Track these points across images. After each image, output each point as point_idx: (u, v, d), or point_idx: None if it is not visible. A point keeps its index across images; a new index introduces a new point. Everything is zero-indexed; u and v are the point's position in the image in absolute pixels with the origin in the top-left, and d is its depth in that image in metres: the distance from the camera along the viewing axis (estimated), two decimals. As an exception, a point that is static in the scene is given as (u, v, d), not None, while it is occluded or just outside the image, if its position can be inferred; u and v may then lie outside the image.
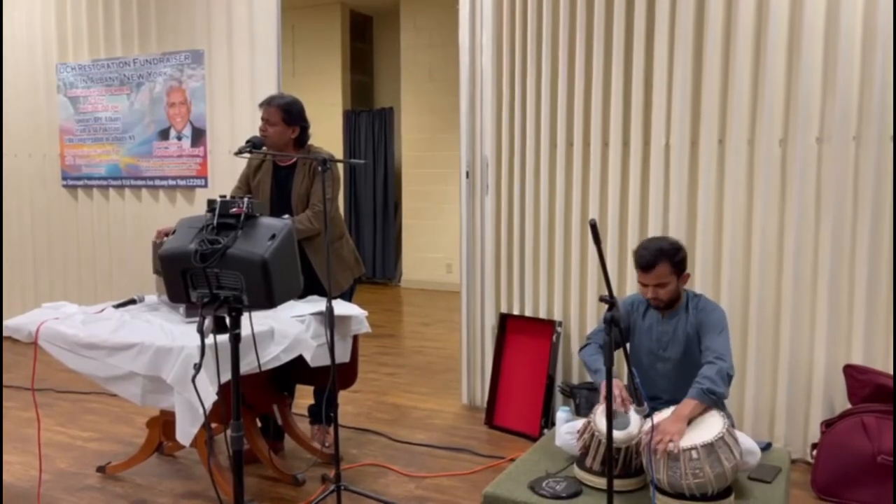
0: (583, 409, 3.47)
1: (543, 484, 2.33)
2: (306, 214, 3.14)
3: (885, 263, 3.07)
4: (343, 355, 3.03)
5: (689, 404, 2.35)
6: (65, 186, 5.45)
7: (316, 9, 8.45)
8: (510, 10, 3.77)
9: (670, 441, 2.23)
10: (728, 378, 2.43)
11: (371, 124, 8.57)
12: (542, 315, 3.80)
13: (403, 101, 8.27)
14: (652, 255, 2.53)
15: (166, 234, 2.96)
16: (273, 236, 1.90)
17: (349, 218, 8.81)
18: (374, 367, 4.98)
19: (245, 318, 2.04)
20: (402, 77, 8.26)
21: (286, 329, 2.71)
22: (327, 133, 8.42)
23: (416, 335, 6.06)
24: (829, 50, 3.08)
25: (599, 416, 2.39)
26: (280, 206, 3.22)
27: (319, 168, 2.77)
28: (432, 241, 8.23)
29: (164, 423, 3.01)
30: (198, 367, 1.94)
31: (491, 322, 3.98)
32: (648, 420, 2.31)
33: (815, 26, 3.09)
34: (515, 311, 3.90)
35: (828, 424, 3.01)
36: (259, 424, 3.24)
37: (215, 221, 1.94)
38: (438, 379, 4.71)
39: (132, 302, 3.03)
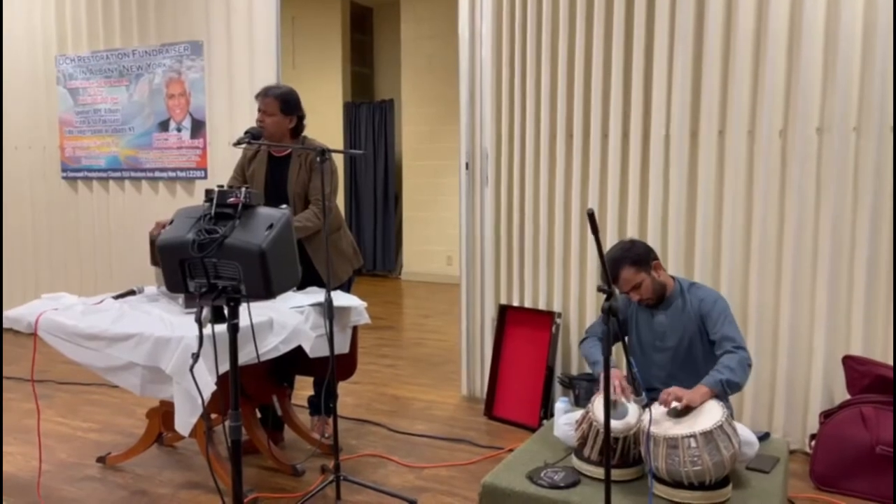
0: (581, 400, 3.48)
1: (542, 474, 2.34)
2: (311, 211, 3.14)
3: (884, 254, 3.07)
4: (342, 346, 3.04)
5: (701, 389, 2.36)
6: (64, 178, 5.45)
7: (316, 0, 8.43)
8: (510, 1, 3.76)
9: (679, 399, 2.30)
10: (749, 367, 2.45)
11: (371, 116, 8.56)
12: (542, 306, 3.80)
13: (404, 93, 8.25)
14: (611, 267, 2.58)
15: (164, 227, 2.96)
16: (271, 226, 1.90)
17: (350, 210, 8.81)
18: (375, 359, 4.99)
19: (244, 308, 2.04)
20: (402, 68, 8.24)
21: (285, 320, 2.72)
22: (327, 125, 8.42)
23: (416, 327, 6.07)
24: (830, 40, 3.07)
25: (598, 407, 2.39)
26: (275, 196, 3.22)
27: (318, 159, 2.77)
28: (433, 233, 8.23)
29: (163, 414, 3.02)
30: (196, 357, 1.94)
31: (490, 314, 3.98)
32: (646, 410, 2.31)
33: (815, 16, 3.07)
34: (515, 303, 3.90)
35: (826, 415, 3.01)
36: (259, 415, 3.24)
37: (213, 211, 1.94)
38: (438, 370, 4.71)
39: (131, 293, 3.03)
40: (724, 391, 2.38)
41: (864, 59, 3.02)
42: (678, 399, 2.33)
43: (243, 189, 1.96)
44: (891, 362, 3.04)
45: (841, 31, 3.03)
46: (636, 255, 2.59)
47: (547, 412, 3.58)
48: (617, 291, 2.47)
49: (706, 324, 2.59)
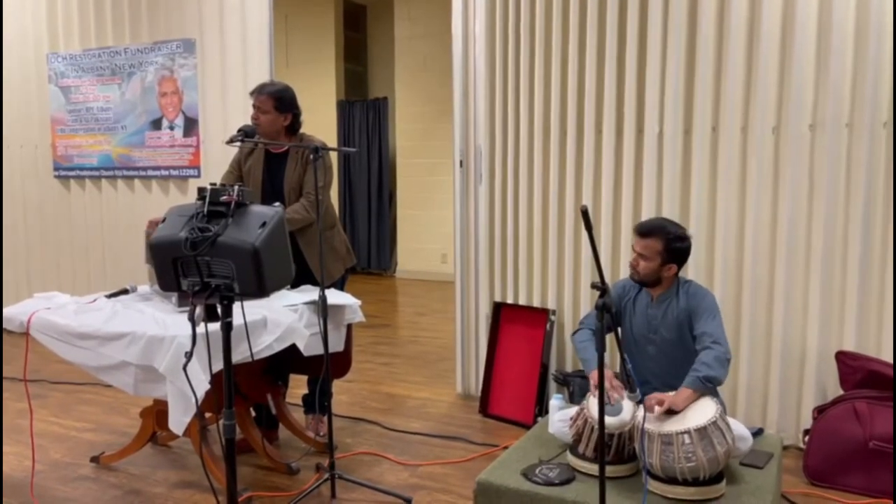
0: (576, 397, 3.48)
1: (536, 471, 2.34)
2: (301, 203, 3.13)
3: (877, 250, 3.08)
4: (336, 344, 3.03)
5: (685, 393, 2.36)
6: (57, 177, 5.43)
7: (309, -2, 8.41)
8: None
9: (663, 404, 2.29)
10: (726, 362, 2.44)
11: (365, 114, 8.54)
12: (536, 303, 3.80)
13: (398, 91, 8.24)
14: (651, 225, 2.62)
15: (157, 225, 2.95)
16: (264, 224, 1.90)
17: (344, 208, 8.79)
18: (369, 357, 4.99)
19: (237, 306, 2.03)
20: (396, 67, 8.23)
21: (279, 318, 2.71)
22: (321, 123, 8.39)
23: (411, 325, 6.07)
24: (822, 37, 3.08)
25: (592, 404, 2.39)
26: (271, 193, 3.21)
27: (311, 157, 2.76)
28: (427, 231, 8.22)
29: (157, 413, 3.00)
30: (189, 356, 1.94)
31: (485, 311, 3.98)
32: (641, 406, 2.31)
33: (808, 13, 3.08)
34: (509, 300, 3.90)
35: (820, 410, 3.02)
36: (253, 414, 3.24)
37: (206, 209, 1.93)
38: (433, 368, 4.71)
39: (124, 292, 3.02)
40: (705, 387, 2.38)
41: (856, 55, 3.03)
42: (660, 403, 2.32)
43: (236, 187, 1.95)
44: (883, 357, 3.05)
45: (833, 27, 3.04)
46: (675, 248, 2.59)
47: (542, 409, 3.58)
48: (609, 286, 2.46)
49: (692, 319, 2.60)
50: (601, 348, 1.97)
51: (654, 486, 2.23)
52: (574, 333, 2.80)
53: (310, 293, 3.02)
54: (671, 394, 2.38)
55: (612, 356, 3.54)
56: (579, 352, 2.72)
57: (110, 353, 2.51)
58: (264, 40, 4.50)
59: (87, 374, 2.71)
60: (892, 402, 2.86)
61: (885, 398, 2.88)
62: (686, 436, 2.17)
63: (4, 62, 5.45)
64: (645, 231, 2.61)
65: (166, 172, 4.99)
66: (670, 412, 2.31)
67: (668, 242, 2.58)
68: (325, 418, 3.45)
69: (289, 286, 3.02)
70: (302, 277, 3.20)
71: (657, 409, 2.32)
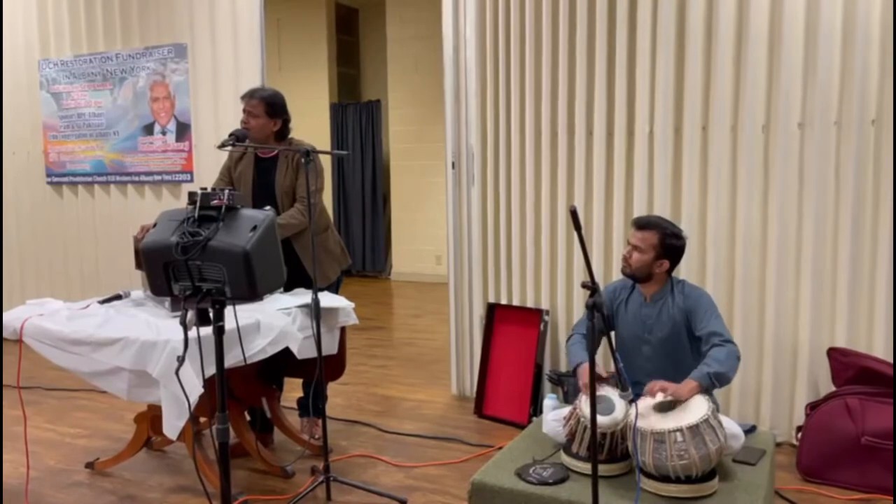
0: (570, 397, 3.48)
1: (530, 470, 2.35)
2: (297, 209, 3.14)
3: (866, 246, 3.10)
4: (330, 347, 3.04)
5: (690, 384, 2.37)
6: (49, 183, 5.42)
7: (301, 1, 8.41)
8: (493, 1, 3.76)
9: (666, 390, 2.32)
10: (737, 360, 2.47)
11: (358, 117, 8.55)
12: (530, 304, 3.81)
13: (390, 94, 8.25)
14: (649, 219, 2.69)
15: (148, 231, 2.95)
16: (254, 228, 1.90)
17: (338, 211, 8.79)
18: (364, 360, 4.99)
19: (230, 310, 2.04)
20: (388, 69, 8.24)
21: (272, 321, 2.71)
22: (314, 126, 8.39)
23: (406, 327, 6.07)
24: (810, 36, 3.10)
25: (585, 403, 2.40)
26: (262, 197, 3.22)
27: (303, 161, 2.77)
28: (422, 233, 8.23)
29: (151, 418, 3.00)
30: (181, 360, 1.94)
31: (479, 312, 3.98)
32: (633, 405, 2.32)
33: (796, 13, 3.10)
34: (503, 301, 3.91)
35: (812, 407, 3.03)
36: (248, 418, 3.24)
37: (196, 214, 1.94)
38: (428, 370, 4.72)
39: (117, 297, 3.02)
40: (712, 384, 2.40)
41: (844, 53, 3.05)
42: (663, 390, 2.34)
43: (226, 191, 1.95)
44: (874, 353, 3.07)
45: (821, 26, 3.05)
46: (671, 245, 2.62)
47: (536, 409, 3.59)
48: (601, 287, 2.48)
49: (691, 320, 2.61)
50: (592, 348, 1.98)
51: (646, 484, 2.23)
52: (568, 339, 2.82)
53: (303, 296, 3.02)
54: (657, 400, 2.39)
55: (606, 359, 3.55)
56: (570, 355, 2.73)
57: (103, 358, 2.51)
58: (256, 44, 4.51)
59: (80, 380, 2.71)
60: (883, 398, 2.88)
61: (877, 394, 2.89)
62: (678, 434, 2.18)
63: (-5, 69, 5.46)
64: (642, 224, 2.65)
65: (159, 178, 4.99)
66: (663, 409, 2.32)
67: (664, 237, 2.61)
68: (320, 421, 3.45)
69: (283, 289, 3.03)
70: (298, 280, 3.20)
71: (659, 395, 2.33)
